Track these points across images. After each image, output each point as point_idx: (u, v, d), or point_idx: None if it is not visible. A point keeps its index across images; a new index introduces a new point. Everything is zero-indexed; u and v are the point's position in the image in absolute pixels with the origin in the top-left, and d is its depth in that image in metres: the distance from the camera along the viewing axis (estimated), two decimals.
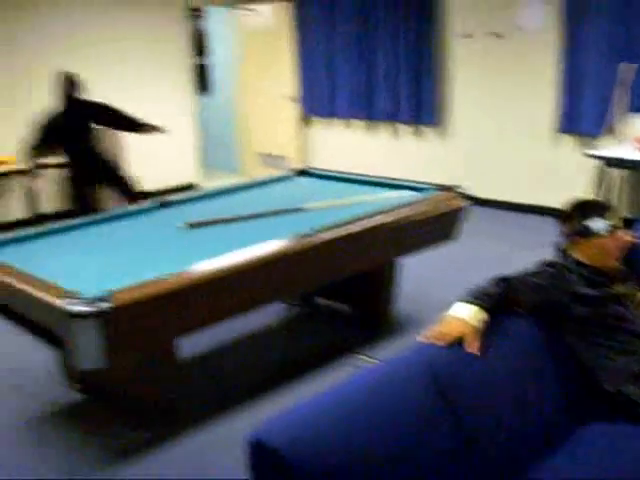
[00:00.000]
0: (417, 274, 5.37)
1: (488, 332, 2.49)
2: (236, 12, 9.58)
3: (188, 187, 9.07)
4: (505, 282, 2.70)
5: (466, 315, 2.50)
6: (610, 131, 6.61)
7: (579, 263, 2.89)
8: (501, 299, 2.63)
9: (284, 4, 9.11)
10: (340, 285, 4.48)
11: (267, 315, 4.97)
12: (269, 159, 9.78)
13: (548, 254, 3.01)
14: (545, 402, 2.60)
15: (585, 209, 2.94)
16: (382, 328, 4.77)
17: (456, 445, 2.14)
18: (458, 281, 5.49)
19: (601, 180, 6.19)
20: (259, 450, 1.84)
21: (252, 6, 9.43)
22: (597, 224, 2.85)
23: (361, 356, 4.38)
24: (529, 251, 6.21)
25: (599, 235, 2.85)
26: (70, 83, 6.16)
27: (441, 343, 2.40)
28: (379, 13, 8.20)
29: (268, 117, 9.67)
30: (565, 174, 7.10)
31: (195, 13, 9.71)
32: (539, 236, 6.64)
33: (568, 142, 7.11)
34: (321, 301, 5.20)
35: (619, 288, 2.87)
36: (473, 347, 2.41)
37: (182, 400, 3.80)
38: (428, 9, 7.74)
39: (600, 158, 6.19)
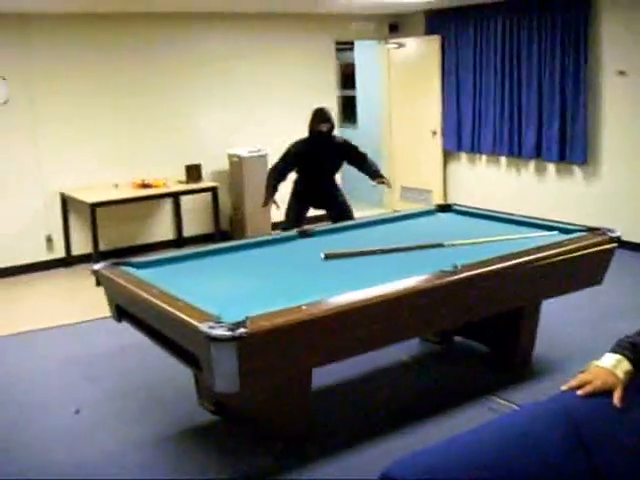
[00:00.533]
0: (559, 318, 5.18)
1: (634, 387, 2.34)
2: (384, 45, 9.65)
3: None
4: None
5: (610, 365, 2.37)
6: None
7: None
8: None
9: (432, 38, 9.11)
10: (479, 324, 4.38)
11: (403, 349, 4.91)
12: (412, 193, 9.75)
13: None
14: None
15: None
16: (519, 371, 4.61)
17: None
18: (602, 328, 5.32)
19: None
20: None
21: (401, 40, 9.49)
22: None
23: (496, 399, 4.25)
24: None
25: None
26: (321, 117, 6.28)
27: (581, 392, 2.28)
28: (528, 47, 8.05)
29: (412, 150, 9.66)
30: None
31: (344, 46, 9.87)
32: None
33: None
34: (459, 339, 5.09)
35: None
36: (615, 398, 2.28)
37: (312, 430, 3.79)
38: (581, 44, 7.52)
39: None
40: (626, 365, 2.36)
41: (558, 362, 4.73)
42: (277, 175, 6.30)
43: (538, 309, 4.60)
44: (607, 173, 7.73)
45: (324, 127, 6.22)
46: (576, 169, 8.01)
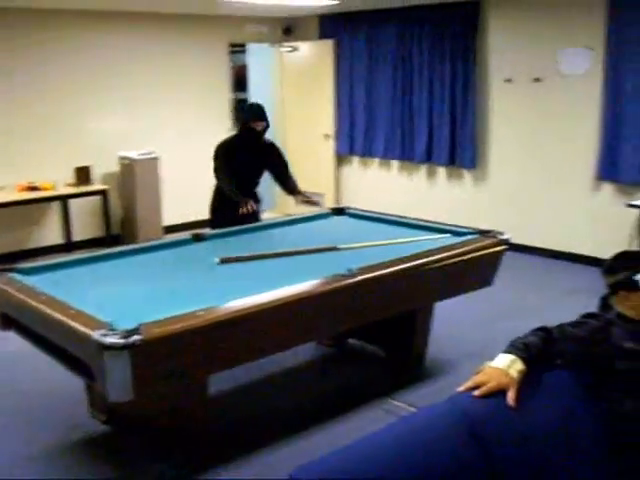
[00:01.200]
0: (451, 319, 5.28)
1: (527, 384, 2.41)
2: (278, 49, 9.65)
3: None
4: (545, 333, 2.62)
5: (503, 365, 2.42)
6: None
7: (623, 317, 2.80)
8: (541, 350, 2.54)
9: (326, 42, 9.15)
10: (373, 326, 4.41)
11: (298, 354, 4.91)
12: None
13: (583, 303, 2.92)
14: (586, 461, 2.50)
15: (631, 262, 2.85)
16: (414, 372, 4.68)
17: None
18: (492, 328, 5.47)
19: None
20: None
21: (294, 43, 9.50)
22: None
23: (392, 400, 4.29)
24: (563, 299, 6.15)
25: None
26: (256, 113, 5.59)
27: (477, 393, 2.32)
28: (420, 54, 8.21)
29: (305, 154, 9.68)
30: (604, 223, 6.99)
31: (237, 48, 9.80)
32: (574, 284, 6.56)
33: (608, 190, 7.01)
34: (353, 342, 5.12)
35: None
36: (509, 398, 2.33)
37: (211, 437, 3.73)
38: (470, 53, 7.73)
39: None
40: (519, 365, 2.42)
41: (450, 362, 4.83)
42: (228, 177, 5.54)
43: (431, 311, 4.67)
44: (495, 177, 7.97)
45: (259, 125, 5.56)
46: (465, 173, 8.22)
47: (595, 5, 6.76)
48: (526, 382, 2.40)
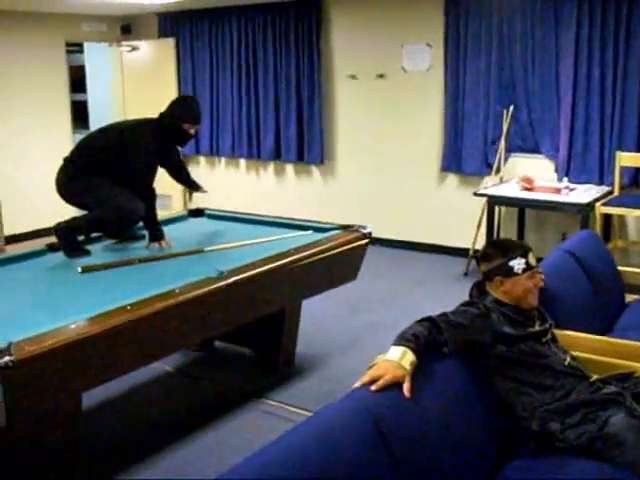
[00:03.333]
0: (315, 315, 5.31)
1: (420, 373, 2.46)
2: (117, 48, 9.36)
3: None
4: (431, 323, 2.68)
5: (396, 357, 2.46)
6: (493, 170, 6.81)
7: (500, 302, 2.93)
8: (428, 339, 2.60)
9: (167, 40, 8.98)
10: (241, 328, 4.36)
11: (165, 360, 4.77)
12: None
13: (441, 291, 3.02)
14: (475, 441, 2.60)
15: (506, 249, 2.98)
16: (284, 371, 4.68)
17: None
18: (357, 320, 5.56)
19: (489, 219, 6.34)
20: None
21: (134, 42, 9.25)
22: (519, 264, 2.89)
23: (267, 400, 4.28)
24: (418, 288, 6.34)
25: (520, 275, 2.91)
26: (194, 114, 4.62)
27: (374, 387, 2.34)
28: (264, 52, 8.21)
29: None
30: (453, 212, 7.26)
31: (74, 48, 9.43)
32: (429, 273, 6.78)
33: (454, 181, 7.29)
34: (220, 344, 5.05)
35: (536, 326, 2.94)
36: (405, 390, 2.37)
37: (85, 455, 3.57)
38: (314, 50, 7.81)
39: (487, 196, 6.35)
40: (410, 356, 2.46)
41: (320, 358, 4.87)
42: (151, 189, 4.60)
43: (299, 309, 4.69)
44: (343, 172, 8.11)
45: (193, 129, 4.59)
46: (314, 169, 8.31)
47: (434, 2, 7.01)
48: (418, 372, 2.45)
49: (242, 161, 8.93)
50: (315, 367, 4.74)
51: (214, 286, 3.62)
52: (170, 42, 8.96)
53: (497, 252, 3.01)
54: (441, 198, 7.40)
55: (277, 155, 8.45)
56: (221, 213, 5.45)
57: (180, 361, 4.91)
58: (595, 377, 2.85)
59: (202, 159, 9.28)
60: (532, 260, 2.96)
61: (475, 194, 6.45)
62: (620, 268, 4.47)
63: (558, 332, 3.08)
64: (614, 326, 3.93)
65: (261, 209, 7.67)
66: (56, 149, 8.53)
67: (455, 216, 7.22)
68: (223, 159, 9.10)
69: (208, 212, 5.45)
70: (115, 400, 4.38)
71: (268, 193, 8.72)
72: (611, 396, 2.71)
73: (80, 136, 8.97)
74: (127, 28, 9.38)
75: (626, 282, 4.42)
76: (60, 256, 4.36)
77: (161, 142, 4.56)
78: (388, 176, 7.73)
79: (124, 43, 9.31)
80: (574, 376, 2.81)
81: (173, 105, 4.60)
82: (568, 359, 2.88)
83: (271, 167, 8.68)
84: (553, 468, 2.61)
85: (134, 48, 9.24)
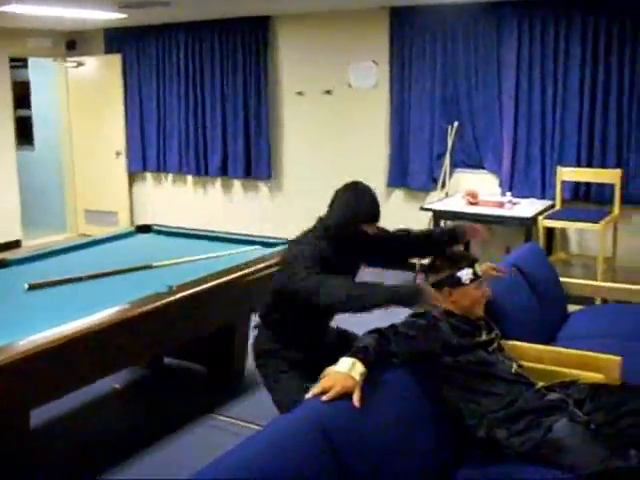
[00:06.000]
0: None
1: (370, 384, 2.50)
2: (62, 64, 9.27)
3: (14, 244, 8.59)
4: (379, 334, 2.73)
5: (346, 369, 2.49)
6: (439, 185, 6.92)
7: (448, 313, 2.98)
8: (377, 351, 2.64)
9: (113, 57, 8.92)
10: (190, 343, 4.35)
11: (112, 378, 4.72)
12: (97, 215, 9.44)
13: None
14: (425, 448, 2.65)
15: (454, 260, 3.05)
16: (235, 385, 4.67)
17: None
18: None
19: None
20: None
21: (79, 58, 9.17)
22: (467, 274, 2.96)
23: (217, 415, 4.27)
24: None
25: (468, 285, 2.97)
26: (373, 209, 3.52)
27: (325, 398, 2.37)
28: (212, 69, 8.23)
29: (96, 172, 9.37)
30: (399, 227, 7.32)
31: (18, 63, 9.31)
32: None
33: (400, 196, 7.39)
34: (171, 361, 5.02)
35: (483, 335, 3.00)
36: (354, 400, 2.41)
37: (34, 475, 3.52)
38: (261, 67, 7.86)
39: (433, 211, 6.45)
40: (360, 367, 2.50)
41: None
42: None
43: (248, 322, 4.69)
44: (291, 187, 8.16)
45: (371, 229, 3.45)
46: (261, 185, 8.33)
47: (380, 21, 7.12)
48: (369, 383, 2.49)
49: (189, 177, 8.90)
50: None
51: (164, 301, 3.62)
52: (116, 58, 8.91)
53: (445, 263, 3.07)
54: (388, 213, 7.42)
55: (224, 171, 8.44)
56: (169, 229, 5.44)
57: (129, 378, 4.86)
58: (540, 384, 2.92)
59: (149, 175, 9.22)
60: (479, 270, 3.03)
61: (421, 208, 6.55)
62: (562, 279, 4.58)
63: (504, 342, 3.15)
64: (557, 335, 4.03)
65: (209, 225, 7.65)
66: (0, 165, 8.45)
67: None
68: (170, 175, 9.06)
69: (156, 228, 5.43)
70: (63, 418, 4.31)
71: (216, 209, 8.71)
72: (555, 403, 2.79)
73: (24, 153, 8.88)
74: (72, 44, 9.29)
75: (568, 293, 4.53)
76: (6, 272, 4.32)
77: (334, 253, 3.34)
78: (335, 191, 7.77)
79: (69, 59, 9.22)
80: (520, 383, 2.88)
81: (351, 204, 3.53)
82: (514, 367, 2.95)
83: (218, 183, 8.68)
84: (501, 473, 2.66)
85: (80, 64, 9.16)
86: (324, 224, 3.51)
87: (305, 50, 7.74)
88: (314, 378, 2.52)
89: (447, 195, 6.87)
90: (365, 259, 3.79)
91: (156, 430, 4.13)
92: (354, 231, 3.37)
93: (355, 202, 3.48)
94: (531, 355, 3.27)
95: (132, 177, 9.35)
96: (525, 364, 3.11)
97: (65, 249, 4.93)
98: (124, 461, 3.77)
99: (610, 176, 6.14)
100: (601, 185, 6.31)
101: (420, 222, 6.83)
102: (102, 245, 5.07)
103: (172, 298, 3.65)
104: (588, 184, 6.39)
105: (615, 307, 4.84)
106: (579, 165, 6.33)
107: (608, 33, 6.11)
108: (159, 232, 5.38)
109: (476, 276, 3.01)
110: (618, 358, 3.12)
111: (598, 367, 3.11)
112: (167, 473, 3.62)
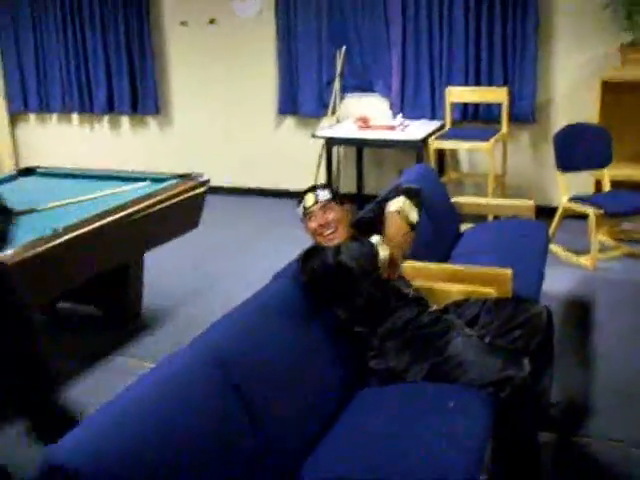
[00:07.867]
0: (159, 266, 5.19)
1: (260, 313, 2.47)
2: None
3: None
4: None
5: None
6: (329, 111, 6.87)
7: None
8: None
9: None
10: (84, 287, 4.22)
11: None
12: None
13: (287, 235, 3.04)
14: (325, 374, 2.64)
15: (305, 192, 3.08)
16: (132, 326, 4.58)
17: (255, 443, 2.10)
18: (201, 269, 5.51)
19: (328, 159, 6.42)
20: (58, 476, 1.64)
21: None
22: (301, 206, 3.03)
23: (118, 356, 4.20)
24: (267, 235, 6.35)
25: (305, 215, 3.01)
26: None
27: None
28: (90, 3, 7.82)
29: None
30: (291, 155, 7.29)
31: None
32: (271, 219, 6.80)
33: (291, 124, 7.32)
34: (65, 306, 4.87)
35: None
36: None
37: None
38: None
39: (325, 138, 6.41)
40: None
41: (166, 309, 4.80)
42: None
43: (142, 262, 4.59)
44: (180, 121, 7.94)
45: None
46: (150, 120, 8.09)
47: None
48: (258, 312, 2.46)
49: (75, 115, 8.55)
50: (162, 320, 4.66)
51: (48, 245, 3.47)
52: None
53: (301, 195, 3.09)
54: (279, 142, 7.41)
55: (111, 107, 8.14)
56: (53, 170, 5.22)
57: None
58: (435, 307, 2.97)
59: (32, 116, 8.80)
60: (308, 201, 3.01)
61: (313, 136, 6.50)
62: (454, 199, 4.64)
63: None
64: (451, 254, 4.09)
65: (97, 164, 7.40)
66: None
67: (295, 159, 7.25)
68: (55, 115, 8.68)
69: (39, 170, 5.20)
70: None
71: (104, 147, 8.41)
72: (448, 322, 2.84)
73: None
74: None
75: (460, 212, 4.60)
76: None
77: None
78: (225, 123, 7.65)
79: None
80: (416, 305, 2.92)
81: None
82: (411, 292, 2.98)
83: (105, 120, 8.37)
84: (405, 394, 2.69)
85: None
86: None
87: None
88: None
89: (338, 121, 6.83)
90: None
91: (54, 375, 4.01)
92: None
93: None
94: (427, 275, 3.30)
95: (14, 118, 8.91)
96: (422, 285, 3.14)
97: None
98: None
99: (497, 95, 6.21)
100: (489, 105, 6.39)
101: (312, 150, 6.81)
102: None
103: (58, 241, 3.50)
104: (477, 105, 6.46)
105: (505, 223, 4.94)
106: (467, 85, 6.37)
107: None
108: (44, 174, 5.16)
109: (306, 207, 3.00)
110: (509, 271, 3.19)
111: (490, 281, 3.17)
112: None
